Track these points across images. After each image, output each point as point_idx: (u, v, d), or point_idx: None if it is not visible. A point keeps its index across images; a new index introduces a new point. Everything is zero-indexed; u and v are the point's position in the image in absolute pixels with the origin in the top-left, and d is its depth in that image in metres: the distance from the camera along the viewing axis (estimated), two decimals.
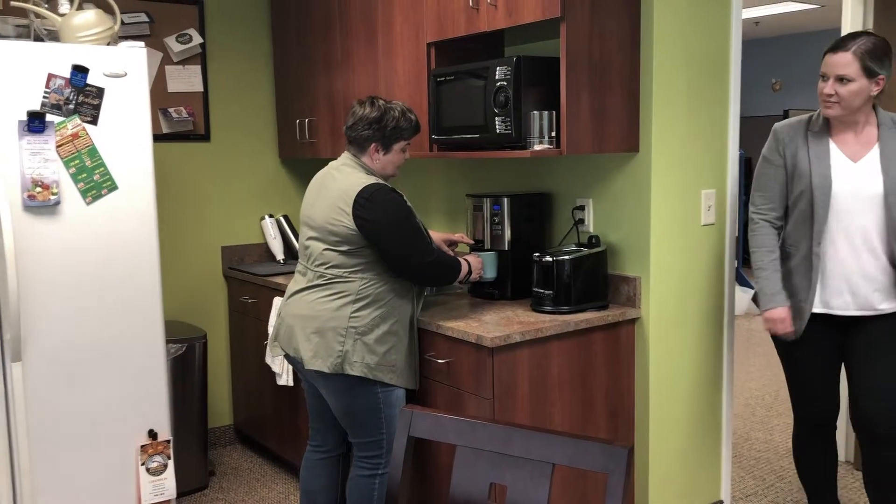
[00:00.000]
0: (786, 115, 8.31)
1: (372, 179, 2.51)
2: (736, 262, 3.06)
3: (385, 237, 2.45)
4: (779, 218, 2.66)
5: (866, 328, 2.59)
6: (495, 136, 2.63)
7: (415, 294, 2.61)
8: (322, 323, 2.49)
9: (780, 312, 2.62)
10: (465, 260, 2.69)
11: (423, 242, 2.51)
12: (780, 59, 9.99)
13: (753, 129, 9.05)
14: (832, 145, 2.55)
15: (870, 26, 3.46)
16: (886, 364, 2.56)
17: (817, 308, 2.60)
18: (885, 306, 2.56)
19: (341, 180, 2.52)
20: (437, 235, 2.86)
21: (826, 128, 2.58)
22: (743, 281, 6.77)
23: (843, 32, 3.58)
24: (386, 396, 2.53)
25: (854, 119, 2.52)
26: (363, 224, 2.44)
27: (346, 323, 2.48)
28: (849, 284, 2.56)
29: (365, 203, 2.44)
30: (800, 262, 2.60)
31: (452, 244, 2.91)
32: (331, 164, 2.65)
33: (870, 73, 2.43)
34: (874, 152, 2.51)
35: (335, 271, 2.51)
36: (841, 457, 3.77)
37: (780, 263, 2.64)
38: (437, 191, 3.58)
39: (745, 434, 4.16)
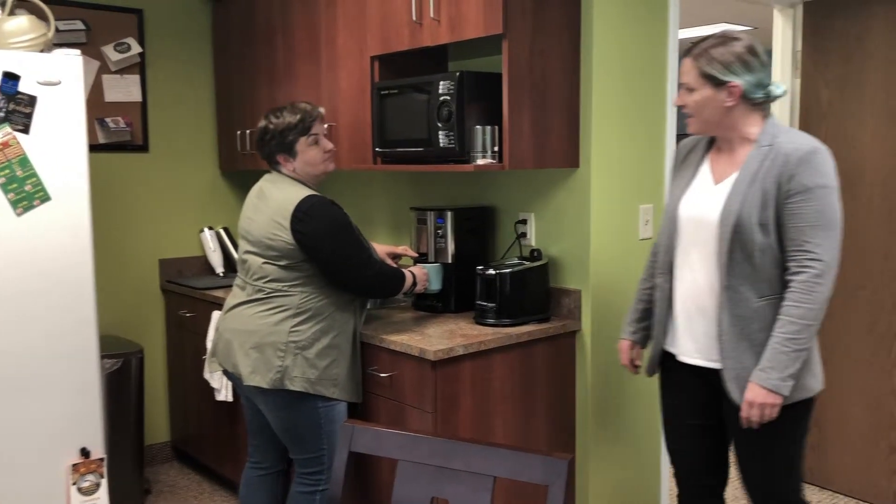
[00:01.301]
0: None
1: (308, 192, 2.48)
2: None
3: (324, 251, 2.43)
4: None
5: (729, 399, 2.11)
6: (439, 150, 2.64)
7: (357, 307, 2.59)
8: (261, 338, 2.46)
9: (620, 344, 2.41)
10: (410, 271, 2.68)
11: (363, 254, 2.49)
12: None
13: None
14: (706, 164, 2.18)
15: (798, 48, 3.59)
16: (755, 458, 2.15)
17: (669, 348, 2.25)
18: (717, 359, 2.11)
19: (278, 194, 2.49)
20: (380, 248, 2.85)
21: (709, 144, 2.21)
22: None
23: (775, 52, 3.71)
24: (327, 412, 2.51)
25: (726, 136, 2.11)
26: (302, 238, 2.41)
27: (285, 338, 2.44)
28: (690, 326, 2.16)
29: (303, 217, 2.41)
30: (658, 295, 2.28)
31: (396, 257, 2.90)
32: (265, 177, 2.61)
33: (714, 82, 2.03)
34: (735, 174, 2.07)
35: (274, 285, 2.48)
36: None
37: (652, 292, 2.32)
38: (381, 204, 3.58)
39: None
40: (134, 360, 3.41)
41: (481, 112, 2.60)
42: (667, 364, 2.29)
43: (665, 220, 2.21)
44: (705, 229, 2.09)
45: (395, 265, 2.78)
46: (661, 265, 2.23)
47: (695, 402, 2.24)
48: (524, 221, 2.93)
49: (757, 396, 1.98)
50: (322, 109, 2.61)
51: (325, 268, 2.45)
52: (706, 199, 2.11)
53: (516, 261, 2.75)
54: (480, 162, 2.55)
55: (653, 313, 2.32)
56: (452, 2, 2.59)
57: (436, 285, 2.82)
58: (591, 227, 2.72)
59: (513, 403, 2.64)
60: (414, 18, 2.72)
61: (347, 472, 1.61)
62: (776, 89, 2.08)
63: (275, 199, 2.48)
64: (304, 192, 2.48)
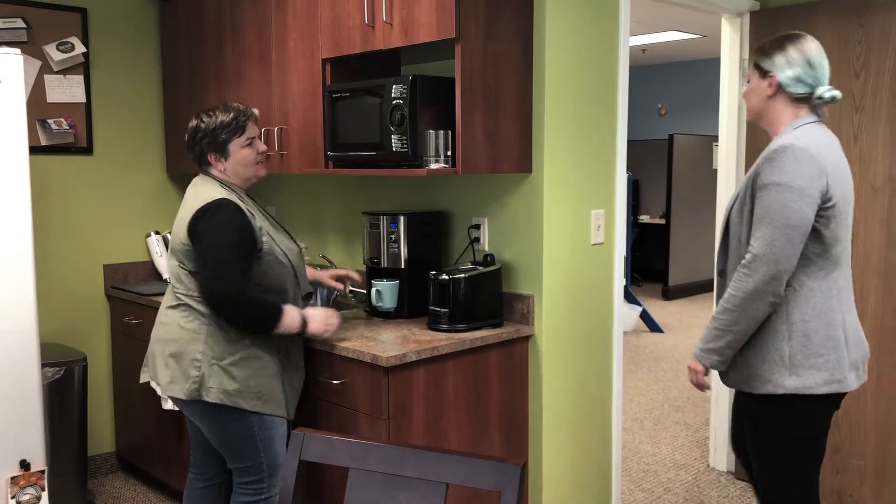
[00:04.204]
0: (671, 140, 8.66)
1: (224, 193, 2.37)
2: (624, 280, 3.15)
3: (201, 253, 2.29)
4: None
5: None
6: (392, 154, 2.62)
7: None
8: (179, 347, 2.38)
9: None
10: (303, 313, 2.40)
11: (236, 274, 2.26)
12: (666, 85, 10.45)
13: (640, 152, 9.42)
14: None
15: (746, 56, 3.66)
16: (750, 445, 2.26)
17: None
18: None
19: (194, 195, 2.40)
20: (324, 273, 2.77)
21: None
22: (631, 298, 7.00)
23: (723, 60, 3.78)
24: (259, 420, 2.41)
25: (769, 130, 2.25)
26: (192, 237, 2.31)
27: (201, 346, 2.36)
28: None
29: (201, 216, 2.30)
30: None
31: (342, 280, 2.82)
32: (193, 180, 2.51)
33: (761, 72, 2.20)
34: None
35: (187, 291, 2.39)
36: (722, 467, 3.93)
37: None
38: (333, 208, 3.54)
39: (635, 447, 4.28)
40: (77, 369, 3.31)
41: (434, 116, 2.59)
42: None
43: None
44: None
45: (340, 287, 2.67)
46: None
47: None
48: (477, 226, 2.93)
49: (689, 360, 2.33)
50: (256, 110, 2.51)
51: (197, 269, 2.32)
52: None
53: (470, 266, 2.74)
54: (434, 166, 2.54)
55: None
56: (405, 5, 2.58)
57: (389, 303, 2.80)
58: (544, 233, 2.73)
59: (466, 409, 2.62)
60: (366, 21, 2.70)
61: (298, 481, 1.58)
62: (823, 91, 2.14)
63: (190, 201, 2.39)
64: (220, 193, 2.36)
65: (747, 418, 2.23)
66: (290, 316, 2.36)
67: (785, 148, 2.04)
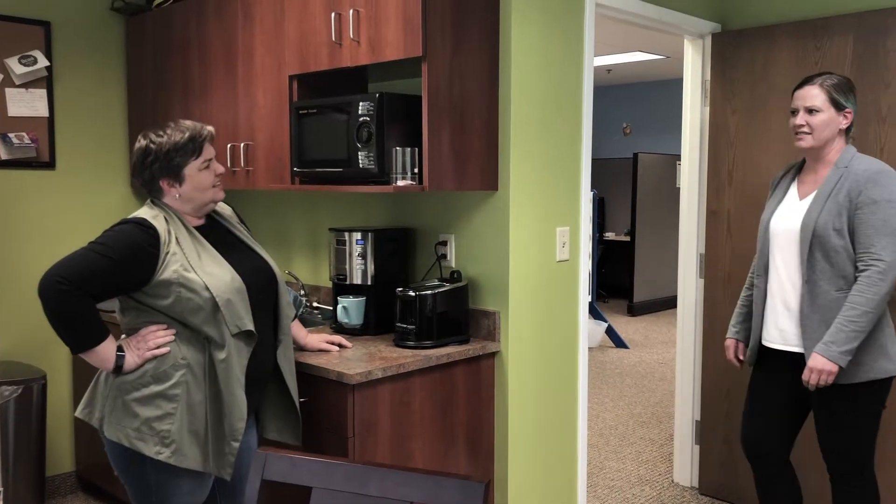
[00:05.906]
0: (636, 158, 8.77)
1: (150, 214, 2.14)
2: (589, 296, 3.18)
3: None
4: None
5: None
6: (358, 171, 2.62)
7: (227, 354, 2.09)
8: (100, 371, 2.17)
9: (726, 342, 2.84)
10: (122, 343, 2.08)
11: (73, 271, 2.00)
12: (630, 104, 10.59)
13: (605, 171, 9.52)
14: (794, 184, 2.62)
15: (707, 77, 3.73)
16: (830, 427, 2.54)
17: (763, 339, 2.65)
18: (797, 343, 2.55)
19: None
20: (318, 336, 2.63)
21: (798, 169, 2.65)
22: (596, 315, 7.05)
23: (686, 81, 3.85)
24: (159, 475, 2.09)
25: (819, 156, 2.53)
26: None
27: (111, 375, 2.11)
28: (776, 317, 2.59)
29: (109, 227, 2.13)
30: (755, 294, 2.71)
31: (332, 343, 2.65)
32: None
33: (837, 106, 2.48)
34: (816, 191, 2.51)
35: (112, 311, 2.22)
36: (686, 482, 3.96)
37: (751, 297, 2.72)
38: (299, 224, 3.53)
39: (600, 463, 4.30)
40: (36, 387, 3.26)
41: (401, 133, 2.60)
42: (761, 353, 2.69)
43: (760, 232, 2.66)
44: (789, 236, 2.54)
45: (320, 345, 2.57)
46: (758, 268, 2.66)
47: (790, 382, 2.60)
48: (444, 243, 2.94)
49: (817, 364, 2.41)
50: (211, 129, 2.24)
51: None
52: (791, 213, 2.56)
53: (436, 282, 2.75)
54: (401, 183, 2.55)
55: (751, 315, 2.73)
56: (372, 24, 2.60)
57: (356, 320, 2.79)
58: (510, 249, 2.75)
59: (432, 426, 2.62)
60: (334, 39, 2.71)
61: (260, 502, 1.56)
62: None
63: None
64: (144, 213, 2.14)
65: (829, 407, 2.51)
66: (104, 348, 2.04)
67: (883, 171, 2.42)
